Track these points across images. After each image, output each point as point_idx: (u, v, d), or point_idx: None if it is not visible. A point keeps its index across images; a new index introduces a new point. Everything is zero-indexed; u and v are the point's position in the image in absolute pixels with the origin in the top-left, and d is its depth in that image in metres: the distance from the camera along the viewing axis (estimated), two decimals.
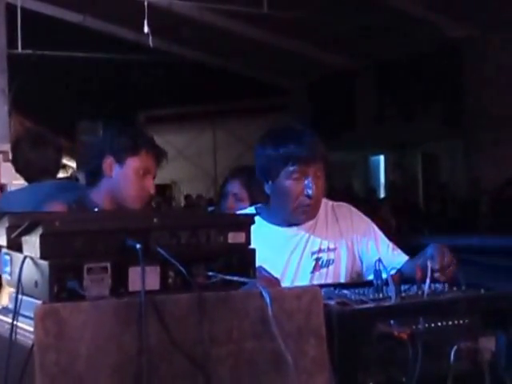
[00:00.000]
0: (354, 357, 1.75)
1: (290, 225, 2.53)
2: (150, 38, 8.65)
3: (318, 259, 2.50)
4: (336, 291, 1.95)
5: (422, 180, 13.86)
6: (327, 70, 13.01)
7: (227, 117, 14.44)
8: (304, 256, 2.51)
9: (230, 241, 1.74)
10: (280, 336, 1.61)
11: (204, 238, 1.71)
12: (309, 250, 2.52)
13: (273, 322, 1.61)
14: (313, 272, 2.50)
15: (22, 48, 10.92)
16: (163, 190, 14.40)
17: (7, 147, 10.42)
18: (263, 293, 1.63)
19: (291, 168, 2.43)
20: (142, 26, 8.52)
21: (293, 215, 2.49)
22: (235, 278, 1.67)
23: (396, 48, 11.93)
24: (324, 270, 2.51)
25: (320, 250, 2.51)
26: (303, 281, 2.47)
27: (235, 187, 3.24)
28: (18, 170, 3.46)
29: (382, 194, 13.66)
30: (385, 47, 11.89)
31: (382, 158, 14.44)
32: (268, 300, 1.62)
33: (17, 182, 6.65)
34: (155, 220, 1.67)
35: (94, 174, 2.68)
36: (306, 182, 2.42)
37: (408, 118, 13.19)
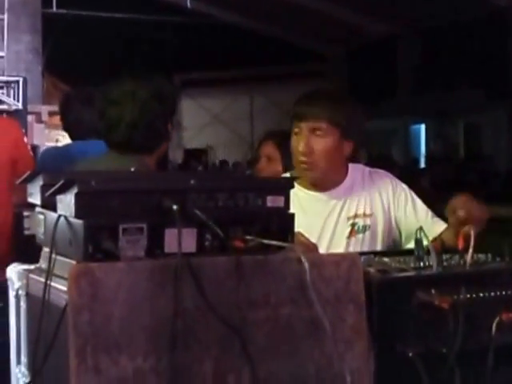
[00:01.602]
0: (393, 326, 1.70)
1: (324, 190, 2.51)
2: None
3: (353, 224, 2.48)
4: (376, 259, 1.90)
5: (463, 151, 13.63)
6: (368, 36, 12.81)
7: (265, 82, 14.31)
8: (340, 221, 2.49)
9: (268, 204, 1.69)
10: (318, 302, 1.57)
11: (242, 201, 1.66)
12: (344, 215, 2.49)
13: (311, 288, 1.57)
14: (349, 237, 2.48)
15: (57, 7, 10.89)
16: (199, 155, 14.38)
17: (40, 108, 10.47)
18: (302, 258, 1.58)
19: (294, 123, 2.51)
20: None
21: (298, 172, 2.50)
22: (273, 243, 1.62)
23: (440, 15, 11.69)
24: (360, 236, 2.48)
25: (356, 216, 2.49)
26: (339, 246, 2.45)
27: (268, 148, 3.21)
28: (66, 128, 3.42)
29: (423, 164, 13.45)
30: (428, 14, 11.66)
31: (423, 126, 14.20)
32: (307, 265, 1.58)
33: (49, 144, 6.67)
34: (193, 181, 1.63)
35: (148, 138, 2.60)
36: (300, 136, 2.47)
37: (451, 87, 12.94)
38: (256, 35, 12.77)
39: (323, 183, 2.53)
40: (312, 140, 2.46)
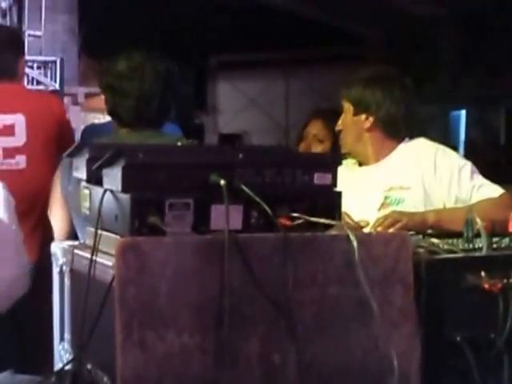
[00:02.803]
0: (442, 309, 1.67)
1: (364, 164, 2.58)
2: None
3: (386, 197, 2.46)
4: (425, 239, 1.86)
5: (504, 139, 13.40)
6: (407, 18, 12.61)
7: (301, 65, 14.15)
8: (373, 193, 2.48)
9: (315, 182, 1.66)
10: (366, 282, 1.54)
11: (289, 178, 1.64)
12: (379, 187, 2.49)
13: (359, 267, 1.54)
14: (379, 210, 2.45)
15: None
16: (233, 140, 14.32)
17: (76, 90, 10.49)
18: (350, 236, 1.55)
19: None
20: None
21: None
22: (321, 220, 1.60)
23: None
24: (391, 209, 2.44)
25: (391, 189, 2.47)
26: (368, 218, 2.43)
27: (316, 128, 3.17)
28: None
29: (462, 151, 13.25)
30: None
31: (463, 113, 13.96)
32: (355, 244, 1.55)
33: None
34: (240, 156, 1.60)
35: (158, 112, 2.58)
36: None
37: (493, 73, 12.71)
38: (293, 17, 12.65)
39: (361, 158, 2.59)
40: (340, 119, 2.61)
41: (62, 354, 1.78)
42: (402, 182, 2.47)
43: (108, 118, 3.42)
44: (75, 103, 10.54)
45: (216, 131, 14.45)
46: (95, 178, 1.68)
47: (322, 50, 13.45)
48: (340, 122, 2.60)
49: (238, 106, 14.64)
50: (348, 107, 2.57)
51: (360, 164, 2.60)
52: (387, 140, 2.56)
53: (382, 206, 2.46)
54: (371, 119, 2.54)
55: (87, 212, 1.73)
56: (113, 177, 1.55)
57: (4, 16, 9.42)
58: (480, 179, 2.46)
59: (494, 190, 2.42)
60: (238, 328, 1.47)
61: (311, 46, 13.08)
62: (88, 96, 11.20)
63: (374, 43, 13.15)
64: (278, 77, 14.46)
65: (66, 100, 9.96)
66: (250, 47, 13.24)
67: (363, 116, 2.55)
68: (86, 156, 1.69)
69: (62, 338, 1.79)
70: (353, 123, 2.57)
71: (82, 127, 3.75)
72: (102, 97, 2.72)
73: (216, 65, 13.52)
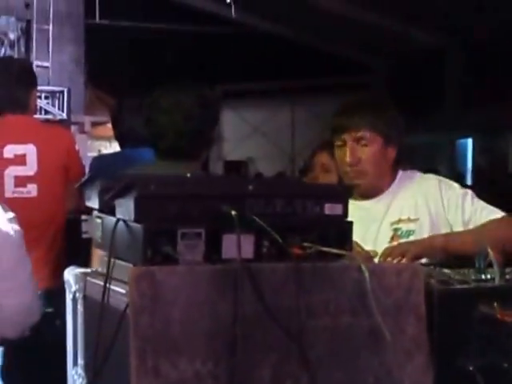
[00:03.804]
0: (454, 339, 1.67)
1: (369, 197, 2.53)
2: (233, 8, 8.59)
3: (396, 230, 2.46)
4: (436, 270, 1.87)
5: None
6: (413, 47, 12.64)
7: (306, 94, 14.22)
8: (382, 226, 2.47)
9: (326, 212, 1.67)
10: (378, 312, 1.55)
11: (300, 208, 1.65)
12: (388, 220, 2.49)
13: (371, 297, 1.55)
14: (390, 242, 2.45)
15: (100, 18, 10.97)
16: (238, 167, 14.34)
17: (82, 119, 10.57)
18: (362, 266, 1.56)
19: (335, 136, 2.52)
20: None
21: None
22: (333, 250, 1.61)
23: (489, 26, 11.48)
24: (403, 241, 2.44)
25: (399, 221, 2.46)
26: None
27: (323, 158, 3.20)
28: (117, 137, 3.44)
29: (469, 181, 13.22)
30: (476, 24, 11.46)
31: (470, 141, 13.94)
32: (367, 274, 1.56)
33: (91, 155, 6.74)
34: (250, 187, 1.62)
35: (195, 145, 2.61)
36: (345, 148, 2.48)
37: (500, 100, 12.70)
38: (298, 46, 12.74)
39: (370, 191, 2.53)
40: (357, 150, 2.48)
41: (76, 379, 1.79)
42: (409, 214, 2.47)
43: (115, 147, 3.45)
44: (82, 132, 10.62)
45: (221, 158, 14.48)
46: (107, 208, 1.69)
47: (326, 79, 13.53)
48: (367, 155, 2.47)
49: (242, 134, 14.72)
50: (374, 138, 2.47)
51: (361, 194, 2.51)
52: (391, 171, 2.56)
53: (393, 238, 2.45)
54: (394, 150, 2.52)
55: (99, 240, 1.75)
56: (126, 207, 1.56)
57: (12, 47, 9.51)
58: (481, 203, 2.48)
59: (496, 212, 2.44)
60: (250, 356, 1.47)
61: (316, 74, 13.17)
62: (94, 125, 11.29)
63: (379, 72, 13.21)
64: (283, 105, 14.55)
65: (73, 128, 10.04)
66: (254, 76, 13.34)
67: (391, 148, 2.50)
68: (99, 186, 1.71)
69: (75, 363, 1.80)
70: (381, 155, 2.49)
71: (90, 156, 3.79)
72: (108, 125, 2.77)
73: (220, 94, 13.61)
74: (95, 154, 8.69)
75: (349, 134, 2.48)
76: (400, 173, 2.57)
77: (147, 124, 2.64)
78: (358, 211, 2.45)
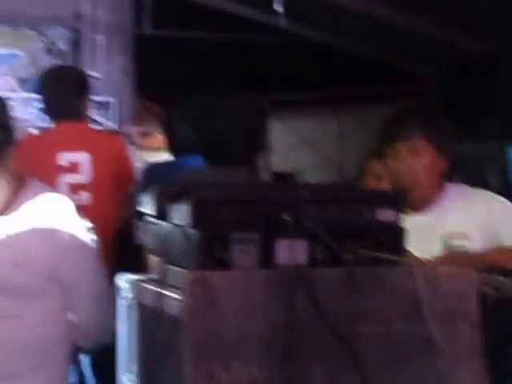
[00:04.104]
0: (509, 345, 1.65)
1: (419, 209, 2.48)
2: (282, 18, 8.59)
3: (447, 244, 2.43)
4: (490, 277, 1.86)
5: None
6: (464, 55, 12.47)
7: (354, 103, 14.12)
8: (432, 239, 2.44)
9: (379, 218, 1.68)
10: (431, 319, 1.55)
11: (353, 214, 1.66)
12: (438, 233, 2.45)
13: (424, 304, 1.55)
14: None
15: (150, 29, 11.07)
16: (285, 178, 14.33)
17: (130, 129, 10.66)
18: (415, 272, 1.56)
19: (387, 144, 2.49)
20: (270, 6, 8.47)
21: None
22: (386, 256, 1.60)
23: None
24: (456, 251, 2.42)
25: (450, 235, 2.43)
26: None
27: (376, 167, 3.19)
28: (170, 146, 3.47)
29: None
30: None
31: None
32: (420, 280, 1.55)
33: (139, 165, 6.81)
34: (304, 193, 1.63)
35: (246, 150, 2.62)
36: (397, 157, 2.45)
37: None
38: (346, 55, 12.68)
39: (419, 202, 2.49)
40: (409, 159, 2.46)
41: (129, 383, 1.81)
42: (460, 229, 2.44)
43: (164, 156, 3.49)
44: (130, 142, 10.73)
45: (268, 169, 14.49)
46: (161, 214, 1.72)
47: (375, 88, 13.43)
48: (421, 165, 2.45)
49: (289, 145, 14.69)
50: (426, 148, 2.45)
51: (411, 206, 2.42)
52: (440, 183, 2.53)
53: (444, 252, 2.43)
54: (445, 161, 2.49)
55: (153, 246, 1.78)
56: (181, 213, 1.58)
57: (61, 57, 9.66)
58: None
59: None
60: (303, 360, 1.48)
61: (364, 83, 13.08)
62: (142, 135, 11.40)
63: (429, 80, 13.09)
64: (331, 115, 14.46)
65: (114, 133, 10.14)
66: (302, 86, 13.33)
67: (442, 159, 2.48)
68: (153, 192, 1.73)
69: (128, 369, 1.82)
70: (433, 166, 2.47)
71: (143, 166, 3.84)
72: (157, 136, 2.80)
73: (267, 104, 13.59)
74: (143, 164, 8.76)
75: (402, 143, 2.46)
76: (448, 185, 2.55)
77: (196, 132, 2.67)
78: (412, 225, 2.44)
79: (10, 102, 2.04)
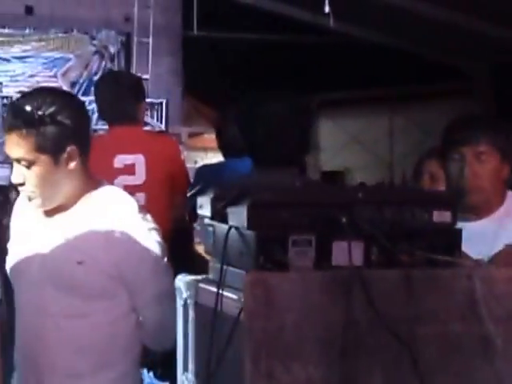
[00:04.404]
0: None
1: (479, 216, 2.46)
2: (331, 18, 8.58)
3: None
4: None
5: None
6: None
7: (405, 102, 14.03)
8: (496, 247, 2.41)
9: (434, 219, 1.68)
10: (489, 320, 1.55)
11: (408, 215, 1.66)
12: (502, 241, 2.41)
13: (481, 305, 1.55)
14: None
15: (197, 30, 11.14)
16: (335, 177, 14.28)
17: (179, 130, 10.78)
18: (472, 274, 1.56)
19: (451, 148, 2.47)
20: (319, 7, 8.46)
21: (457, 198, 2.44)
22: (442, 258, 1.61)
23: None
24: None
25: None
26: None
27: (432, 167, 3.17)
28: (221, 147, 3.51)
29: None
30: None
31: None
32: (477, 282, 1.56)
33: (190, 166, 6.87)
34: (360, 194, 1.64)
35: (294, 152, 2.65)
36: (461, 161, 2.43)
37: None
38: (396, 53, 12.60)
39: (482, 208, 2.48)
40: (475, 165, 2.44)
41: (187, 383, 1.84)
42: None
43: (211, 158, 3.53)
44: (179, 142, 10.83)
45: (318, 169, 14.47)
46: (219, 216, 1.75)
47: (425, 86, 13.32)
48: (485, 171, 2.44)
49: (340, 144, 14.65)
50: (492, 153, 2.44)
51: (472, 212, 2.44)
52: (502, 190, 2.50)
53: None
54: (508, 168, 2.48)
55: (211, 248, 1.80)
56: (238, 215, 1.61)
57: (112, 60, 9.79)
58: None
59: None
60: (361, 361, 1.50)
61: (414, 81, 12.99)
62: (191, 135, 11.50)
63: (480, 78, 12.93)
64: (381, 113, 14.39)
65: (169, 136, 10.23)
66: (351, 85, 13.28)
67: (506, 165, 2.47)
68: (211, 195, 1.76)
69: (185, 368, 1.85)
70: (497, 172, 2.46)
71: (196, 167, 3.89)
72: (205, 136, 2.84)
73: (317, 103, 13.60)
74: (192, 164, 8.84)
75: (468, 148, 2.44)
76: (509, 193, 2.53)
77: (244, 133, 2.70)
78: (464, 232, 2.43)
79: None
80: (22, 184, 2.07)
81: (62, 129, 2.03)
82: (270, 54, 12.56)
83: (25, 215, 2.21)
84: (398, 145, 13.92)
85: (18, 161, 2.05)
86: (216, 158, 6.53)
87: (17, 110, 2.05)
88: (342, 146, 14.60)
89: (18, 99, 2.11)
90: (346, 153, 14.57)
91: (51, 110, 2.02)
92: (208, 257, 1.88)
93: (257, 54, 12.71)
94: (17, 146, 2.03)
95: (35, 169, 2.04)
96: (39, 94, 2.10)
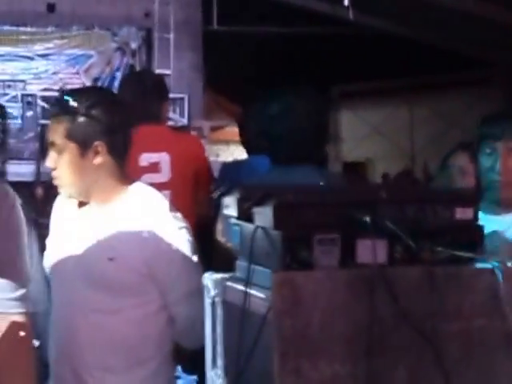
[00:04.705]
0: None
1: (506, 211, 2.47)
2: (351, 10, 8.59)
3: None
4: None
5: None
6: None
7: (425, 92, 13.95)
8: None
9: (457, 216, 1.71)
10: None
11: (431, 213, 1.69)
12: None
13: (505, 301, 1.58)
14: None
15: (218, 25, 11.16)
16: (356, 168, 14.26)
17: (201, 123, 10.82)
18: (495, 270, 1.59)
19: (484, 143, 2.49)
20: None
21: (488, 194, 2.46)
22: (465, 254, 1.64)
23: None
24: None
25: None
26: None
27: (462, 160, 3.16)
28: (244, 142, 3.54)
29: None
30: None
31: None
32: (500, 278, 1.59)
33: (212, 159, 6.91)
34: (382, 193, 1.68)
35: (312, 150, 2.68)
36: (494, 156, 2.45)
37: None
38: (416, 43, 12.53)
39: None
40: (508, 159, 2.47)
41: (215, 380, 1.88)
42: None
43: (233, 151, 3.56)
44: (201, 136, 10.88)
45: (339, 159, 14.45)
46: (245, 216, 1.79)
47: (445, 76, 13.24)
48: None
49: (360, 135, 14.62)
50: None
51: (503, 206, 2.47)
52: None
53: None
54: None
55: (237, 247, 1.84)
56: (264, 215, 1.65)
57: (134, 56, 9.84)
58: None
59: None
60: (386, 357, 1.53)
61: (434, 71, 12.92)
62: (213, 129, 11.54)
63: (502, 67, 12.83)
64: (402, 104, 14.33)
65: (193, 134, 10.28)
66: (372, 76, 13.24)
67: None
68: (237, 195, 1.80)
69: (214, 365, 1.89)
70: None
71: (218, 160, 3.93)
72: (226, 129, 2.87)
73: (338, 94, 13.58)
74: (214, 158, 8.87)
75: (504, 143, 2.47)
76: None
77: (261, 131, 2.73)
78: (491, 224, 2.45)
79: None
80: (54, 169, 2.18)
81: (93, 122, 2.13)
82: (291, 46, 12.54)
83: (63, 212, 2.28)
84: (419, 135, 13.85)
85: (52, 145, 2.17)
86: (238, 150, 6.55)
87: (60, 99, 2.24)
88: (363, 136, 14.56)
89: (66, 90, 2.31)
90: (367, 143, 14.53)
91: (87, 103, 2.14)
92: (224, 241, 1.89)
93: (277, 47, 12.70)
94: (52, 131, 2.17)
95: (64, 156, 2.15)
96: (85, 89, 2.25)
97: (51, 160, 2.18)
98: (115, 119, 2.16)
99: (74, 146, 2.13)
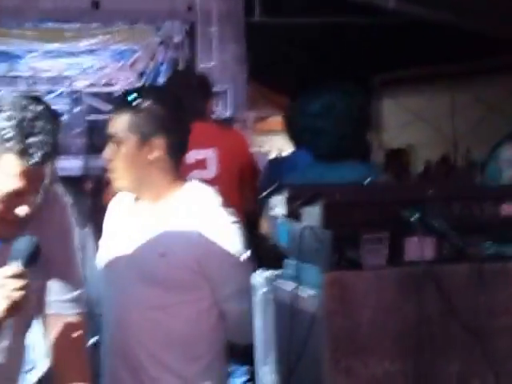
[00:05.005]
0: None
1: None
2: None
3: None
4: None
5: None
6: None
7: (467, 77, 13.77)
8: None
9: (503, 213, 1.73)
10: None
11: (477, 210, 1.71)
12: None
13: None
14: None
15: (260, 16, 11.15)
16: (399, 155, 14.15)
17: (245, 115, 10.79)
18: None
19: None
20: None
21: None
22: (511, 251, 1.66)
23: None
24: None
25: None
26: None
27: (510, 152, 3.14)
28: (292, 136, 3.56)
29: None
30: None
31: None
32: None
33: (257, 150, 6.91)
34: (430, 191, 1.70)
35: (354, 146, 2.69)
36: None
37: None
38: (456, 30, 12.35)
39: None
40: None
41: (267, 375, 1.92)
42: None
43: (275, 141, 3.57)
44: (245, 127, 10.88)
45: (381, 147, 14.35)
46: (293, 215, 1.82)
47: (486, 61, 13.06)
48: None
49: (402, 122, 14.49)
50: None
51: None
52: None
53: None
54: None
55: (286, 246, 1.88)
56: (313, 215, 1.68)
57: (177, 49, 9.88)
58: None
59: None
60: (436, 354, 1.56)
61: (476, 57, 12.75)
62: (257, 120, 11.55)
63: None
64: (443, 90, 14.16)
65: (236, 126, 10.29)
66: (412, 63, 13.12)
67: None
68: (285, 195, 1.84)
69: (265, 362, 1.93)
70: None
71: (261, 151, 3.95)
72: (269, 120, 2.88)
73: (379, 83, 13.49)
74: (257, 148, 8.87)
75: None
76: None
77: (304, 127, 2.75)
78: None
79: None
80: (111, 161, 2.22)
81: (153, 118, 2.18)
82: (333, 36, 12.47)
83: (116, 211, 2.33)
84: (461, 121, 13.67)
85: (113, 137, 2.21)
86: (280, 140, 6.55)
87: (124, 93, 2.28)
88: (405, 124, 14.41)
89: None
90: (409, 130, 14.37)
91: (151, 99, 2.20)
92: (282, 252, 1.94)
93: (318, 38, 12.65)
94: (114, 123, 2.22)
95: (122, 148, 2.19)
96: (148, 86, 2.29)
97: (109, 151, 2.21)
98: (177, 118, 2.22)
99: (133, 138, 2.18)
